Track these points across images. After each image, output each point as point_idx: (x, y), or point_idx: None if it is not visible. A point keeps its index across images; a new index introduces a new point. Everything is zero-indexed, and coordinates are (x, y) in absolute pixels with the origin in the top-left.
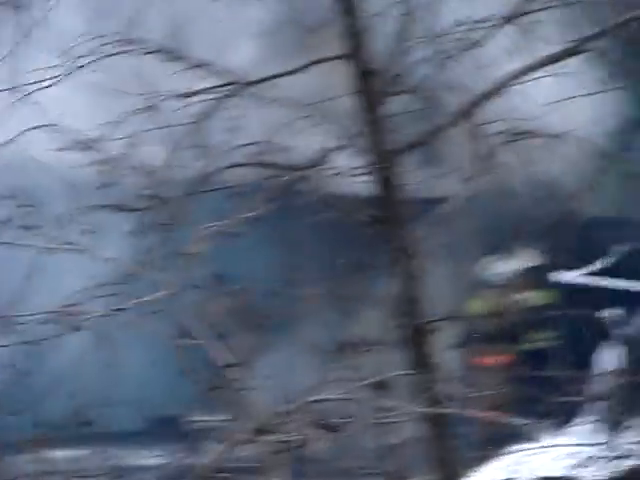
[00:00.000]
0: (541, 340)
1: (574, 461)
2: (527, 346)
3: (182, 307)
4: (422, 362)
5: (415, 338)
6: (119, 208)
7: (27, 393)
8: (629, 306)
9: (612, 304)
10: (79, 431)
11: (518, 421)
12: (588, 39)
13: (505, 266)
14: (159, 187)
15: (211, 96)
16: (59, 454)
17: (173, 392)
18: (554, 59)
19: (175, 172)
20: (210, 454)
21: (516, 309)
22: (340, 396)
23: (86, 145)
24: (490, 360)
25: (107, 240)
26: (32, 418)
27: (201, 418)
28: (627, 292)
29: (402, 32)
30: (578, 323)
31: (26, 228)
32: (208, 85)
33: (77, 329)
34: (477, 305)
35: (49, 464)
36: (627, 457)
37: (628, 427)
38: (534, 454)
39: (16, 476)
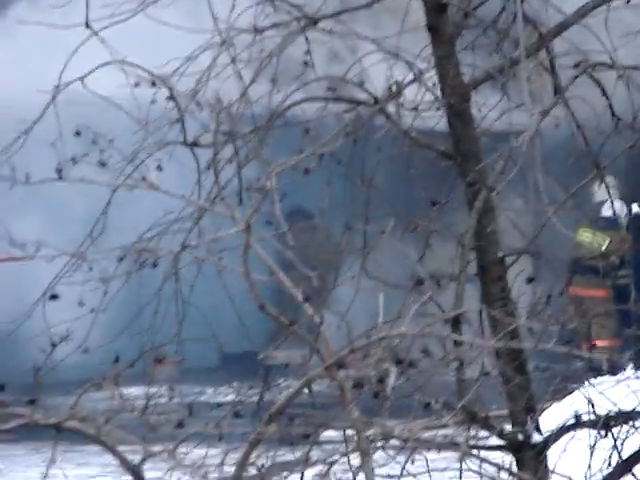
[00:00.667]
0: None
1: None
2: (621, 281)
3: (257, 243)
4: (498, 295)
5: (491, 271)
6: (193, 144)
7: (101, 331)
8: None
9: None
10: (152, 368)
11: (601, 354)
12: None
13: (617, 205)
14: (232, 123)
15: (283, 31)
16: (134, 391)
17: (248, 329)
18: None
19: (248, 108)
20: (284, 391)
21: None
22: (416, 331)
23: (157, 81)
24: (586, 292)
25: (181, 177)
26: (105, 356)
27: (276, 354)
28: None
29: None
30: None
31: (101, 165)
32: (279, 20)
33: (152, 266)
34: (586, 235)
35: (125, 401)
36: None
37: None
38: (613, 387)
39: (92, 414)
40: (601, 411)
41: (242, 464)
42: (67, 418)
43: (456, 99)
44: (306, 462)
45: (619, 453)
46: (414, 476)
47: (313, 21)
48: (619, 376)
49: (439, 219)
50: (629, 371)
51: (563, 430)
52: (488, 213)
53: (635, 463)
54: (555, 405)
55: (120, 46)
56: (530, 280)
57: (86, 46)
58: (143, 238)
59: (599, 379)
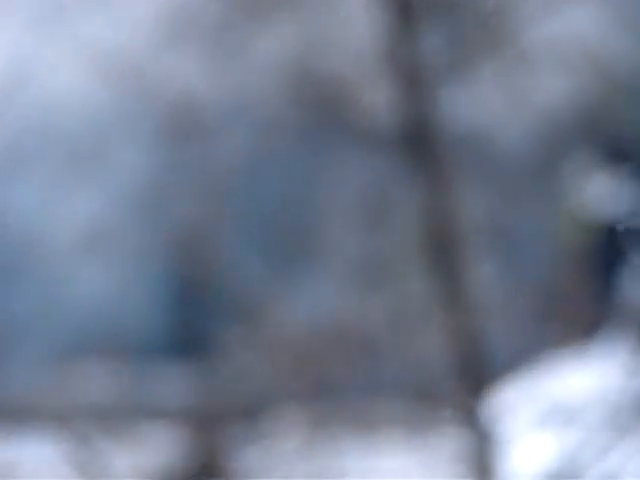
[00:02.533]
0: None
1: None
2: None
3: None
4: (451, 275)
5: (444, 252)
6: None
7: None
8: None
9: None
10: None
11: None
12: None
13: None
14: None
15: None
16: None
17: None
18: None
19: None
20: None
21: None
22: (370, 315)
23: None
24: None
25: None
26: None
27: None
28: None
29: None
30: None
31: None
32: None
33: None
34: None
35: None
36: None
37: None
38: (567, 367)
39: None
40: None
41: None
42: None
43: (417, 88)
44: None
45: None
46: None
47: None
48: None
49: (395, 204)
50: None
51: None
52: (445, 197)
53: None
54: (507, 383)
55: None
56: None
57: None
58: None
59: (554, 359)
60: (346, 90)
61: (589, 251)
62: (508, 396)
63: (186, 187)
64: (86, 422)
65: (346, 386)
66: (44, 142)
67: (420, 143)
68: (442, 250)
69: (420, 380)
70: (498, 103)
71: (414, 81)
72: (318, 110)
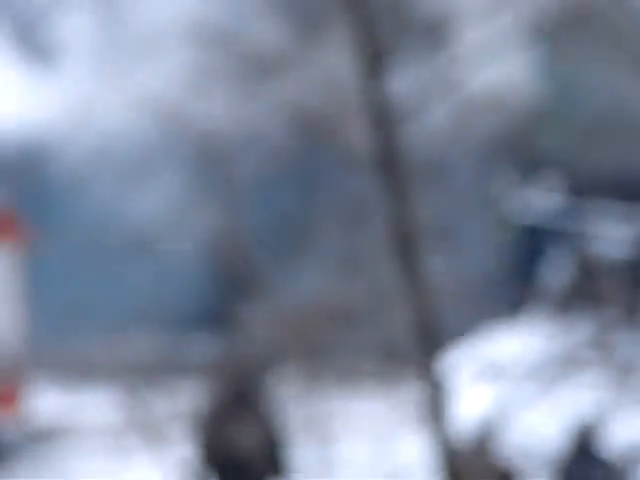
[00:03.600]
0: None
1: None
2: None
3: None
4: (412, 265)
5: (407, 247)
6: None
7: None
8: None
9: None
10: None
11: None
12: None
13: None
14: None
15: None
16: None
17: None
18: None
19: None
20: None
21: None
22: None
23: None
24: None
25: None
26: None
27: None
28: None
29: None
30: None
31: None
32: None
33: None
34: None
35: None
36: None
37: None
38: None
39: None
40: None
41: None
42: None
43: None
44: None
45: None
46: None
47: None
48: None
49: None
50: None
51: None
52: (407, 202)
53: None
54: (454, 347)
55: None
56: None
57: None
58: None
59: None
60: (333, 126)
61: (516, 246)
62: (454, 357)
63: (215, 198)
64: (135, 376)
65: (333, 348)
66: (108, 164)
67: (388, 165)
68: (405, 246)
69: (389, 344)
70: (448, 134)
71: (384, 119)
72: (313, 141)
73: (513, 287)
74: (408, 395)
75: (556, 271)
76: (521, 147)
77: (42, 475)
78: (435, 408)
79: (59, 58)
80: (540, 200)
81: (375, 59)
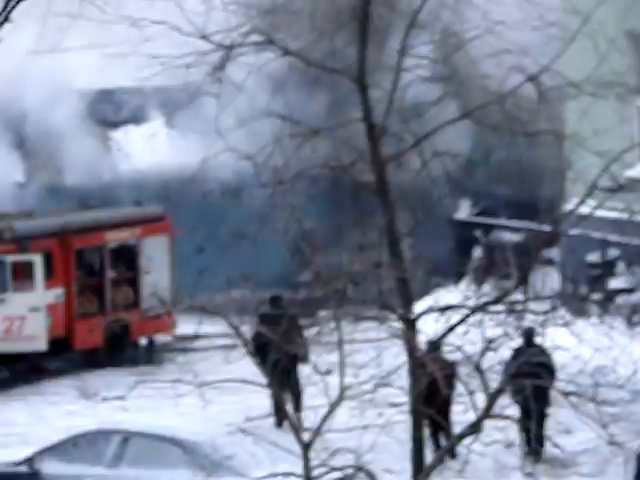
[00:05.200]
0: None
1: None
2: None
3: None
4: (395, 247)
5: (392, 238)
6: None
7: None
8: None
9: None
10: None
11: None
12: None
13: None
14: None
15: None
16: None
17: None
18: None
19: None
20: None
21: None
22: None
23: None
24: None
25: None
26: None
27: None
28: None
29: None
30: None
31: None
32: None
33: None
34: None
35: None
36: None
37: None
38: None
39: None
40: None
41: None
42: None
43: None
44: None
45: None
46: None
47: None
48: None
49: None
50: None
51: (426, 311)
52: (392, 221)
53: None
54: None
55: None
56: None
57: None
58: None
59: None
60: (347, 169)
61: (456, 238)
62: (419, 305)
63: (284, 210)
64: (241, 314)
65: (348, 301)
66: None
67: (383, 193)
68: (392, 239)
69: (382, 298)
70: (420, 173)
71: (381, 168)
72: (334, 176)
73: (453, 262)
74: (392, 329)
75: (476, 252)
76: (459, 182)
77: (181, 371)
78: (410, 335)
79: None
80: (470, 210)
81: (374, 138)
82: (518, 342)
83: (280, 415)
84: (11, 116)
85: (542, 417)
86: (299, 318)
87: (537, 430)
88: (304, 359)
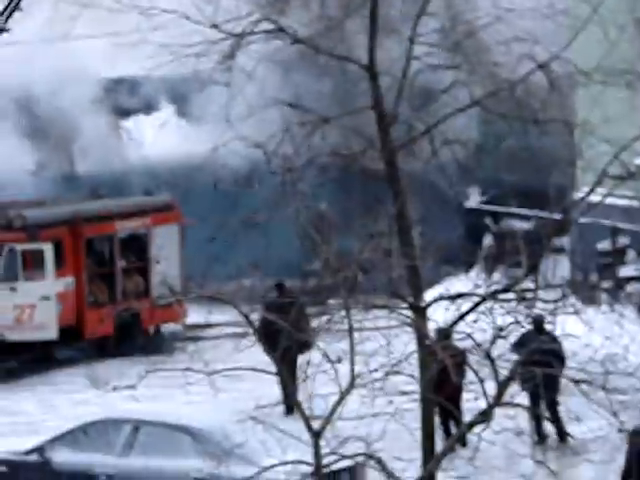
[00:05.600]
0: None
1: None
2: None
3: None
4: (406, 236)
5: (403, 226)
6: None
7: None
8: None
9: None
10: None
11: None
12: None
13: None
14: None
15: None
16: None
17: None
18: None
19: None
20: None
21: None
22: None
23: None
24: None
25: None
26: None
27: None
28: None
29: None
30: None
31: None
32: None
33: None
34: None
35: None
36: None
37: None
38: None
39: None
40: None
41: None
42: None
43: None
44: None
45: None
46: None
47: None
48: None
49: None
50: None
51: (436, 300)
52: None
53: None
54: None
55: None
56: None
57: None
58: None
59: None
60: (357, 156)
61: (467, 225)
62: (429, 293)
63: (296, 199)
64: (249, 302)
65: (359, 288)
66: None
67: (394, 180)
68: (403, 227)
69: (392, 286)
70: (430, 160)
71: (389, 149)
72: (344, 163)
73: (464, 250)
74: (402, 315)
75: (487, 240)
76: (469, 169)
77: (191, 359)
78: (420, 323)
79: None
80: (480, 198)
81: (384, 126)
82: (526, 328)
83: (289, 403)
84: (23, 104)
85: (553, 405)
86: (308, 306)
87: (552, 417)
88: (309, 346)
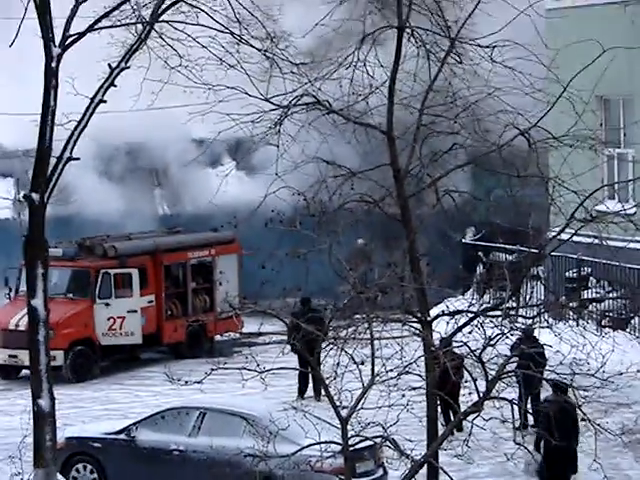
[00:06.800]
0: None
1: None
2: None
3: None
4: (414, 259)
5: (412, 253)
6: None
7: None
8: None
9: None
10: None
11: None
12: None
13: None
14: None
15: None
16: None
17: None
18: None
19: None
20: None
21: None
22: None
23: None
24: None
25: None
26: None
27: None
28: None
29: None
30: None
31: None
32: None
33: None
34: None
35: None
36: None
37: None
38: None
39: None
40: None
41: None
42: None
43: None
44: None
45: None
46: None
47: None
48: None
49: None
50: None
51: (439, 315)
52: (413, 244)
53: None
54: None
55: None
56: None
57: None
58: None
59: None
60: (378, 203)
61: (462, 256)
62: (433, 309)
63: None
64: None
65: (374, 306)
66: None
67: (406, 217)
68: (412, 255)
69: (404, 303)
70: (433, 204)
71: (403, 197)
72: (368, 208)
73: (461, 277)
74: (414, 329)
75: (479, 269)
76: (465, 214)
77: (247, 361)
78: (426, 333)
79: (257, 170)
80: (474, 236)
81: (399, 179)
82: (516, 336)
83: (318, 389)
84: (116, 155)
85: (537, 396)
86: (338, 319)
87: (532, 407)
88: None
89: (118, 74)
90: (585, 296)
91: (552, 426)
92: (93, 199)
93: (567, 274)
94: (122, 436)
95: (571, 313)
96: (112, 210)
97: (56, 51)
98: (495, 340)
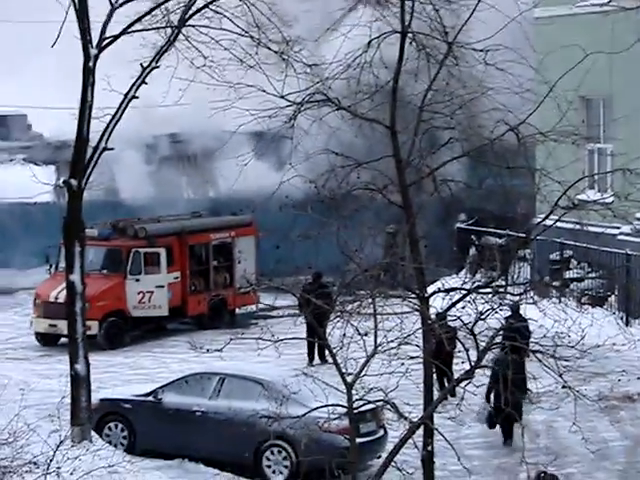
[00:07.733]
0: None
1: None
2: None
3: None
4: (414, 243)
5: (412, 237)
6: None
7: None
8: None
9: None
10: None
11: None
12: None
13: None
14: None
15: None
16: None
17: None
18: None
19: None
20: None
21: None
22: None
23: None
24: None
25: None
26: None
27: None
28: None
29: None
30: None
31: None
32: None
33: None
34: None
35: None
36: None
37: None
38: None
39: None
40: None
41: None
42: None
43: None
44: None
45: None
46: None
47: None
48: None
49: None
50: None
51: (435, 292)
52: (412, 228)
53: None
54: (436, 282)
55: None
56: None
57: None
58: None
59: None
60: (381, 190)
61: (457, 239)
62: (430, 287)
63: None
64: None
65: (377, 283)
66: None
67: (406, 207)
68: (412, 238)
69: (404, 281)
70: (431, 192)
71: (404, 186)
72: (372, 195)
73: (456, 258)
74: (413, 304)
75: (472, 251)
76: (460, 201)
77: (262, 332)
78: (424, 308)
79: (273, 160)
80: (467, 221)
81: (401, 169)
82: (506, 313)
83: (322, 355)
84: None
85: (522, 365)
86: (344, 295)
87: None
88: (329, 317)
89: (149, 73)
90: (567, 276)
91: (500, 380)
92: (129, 186)
93: (551, 256)
94: (150, 398)
95: (554, 291)
96: (141, 195)
97: (93, 52)
98: (486, 315)
